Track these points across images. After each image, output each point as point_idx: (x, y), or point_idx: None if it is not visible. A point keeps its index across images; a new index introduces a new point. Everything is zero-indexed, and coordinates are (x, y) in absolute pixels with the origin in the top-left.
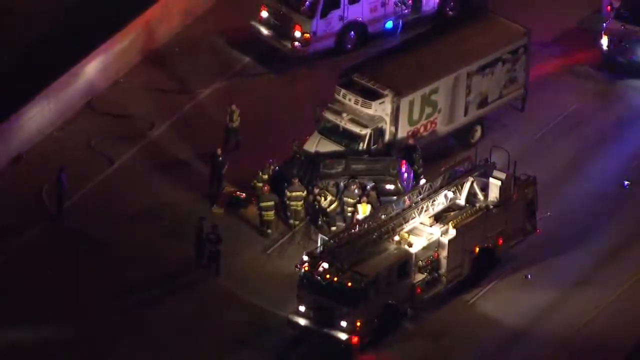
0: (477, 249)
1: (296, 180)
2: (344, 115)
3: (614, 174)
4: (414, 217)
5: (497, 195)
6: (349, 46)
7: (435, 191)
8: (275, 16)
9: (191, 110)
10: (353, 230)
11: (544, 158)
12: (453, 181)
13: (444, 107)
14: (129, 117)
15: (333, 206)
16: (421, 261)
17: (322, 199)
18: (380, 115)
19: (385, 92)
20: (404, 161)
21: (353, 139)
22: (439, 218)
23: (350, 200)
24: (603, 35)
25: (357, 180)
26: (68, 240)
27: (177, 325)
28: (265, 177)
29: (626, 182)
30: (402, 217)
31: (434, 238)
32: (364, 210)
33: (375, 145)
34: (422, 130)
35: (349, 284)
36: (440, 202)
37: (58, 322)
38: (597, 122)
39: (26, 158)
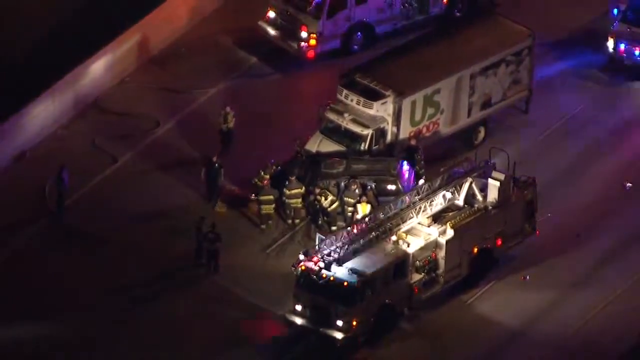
0: (476, 250)
1: (294, 178)
2: (346, 115)
3: (617, 175)
4: (411, 217)
5: (496, 196)
6: (356, 47)
7: (434, 192)
8: (282, 17)
9: (196, 109)
10: (351, 230)
11: (547, 159)
12: (452, 182)
13: (447, 108)
14: (133, 116)
15: (334, 206)
16: (419, 261)
17: (323, 198)
18: (382, 115)
19: (387, 93)
20: (405, 162)
21: (354, 139)
22: (437, 218)
23: (351, 200)
24: (609, 38)
25: (357, 180)
26: (68, 238)
27: (175, 322)
28: (267, 176)
29: (628, 184)
30: (400, 217)
31: (432, 238)
32: (363, 210)
33: (377, 146)
34: (424, 131)
35: (345, 283)
36: (439, 202)
37: (56, 319)
38: (601, 124)
39: (30, 156)
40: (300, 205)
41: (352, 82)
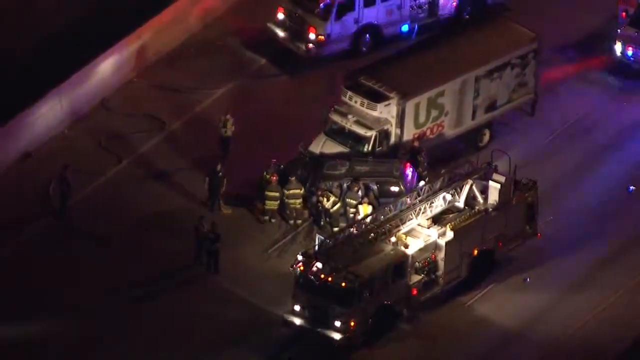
0: (476, 252)
1: (293, 179)
2: (350, 117)
3: (620, 178)
4: (411, 219)
5: (497, 198)
6: (364, 49)
7: (434, 193)
8: (291, 18)
9: (203, 110)
10: (350, 231)
11: (552, 162)
12: (452, 184)
13: (451, 110)
14: (139, 117)
15: (336, 207)
16: (418, 263)
17: (325, 200)
18: (386, 117)
19: (391, 95)
20: (408, 163)
21: (358, 141)
22: (437, 220)
23: (353, 202)
24: (616, 41)
25: (360, 182)
26: (69, 237)
27: (175, 321)
28: (275, 173)
29: (631, 187)
30: (399, 218)
31: (431, 240)
32: (364, 211)
33: (380, 148)
34: (428, 133)
35: (343, 284)
36: (439, 204)
37: (56, 319)
38: (607, 127)
39: (35, 155)
40: (299, 206)
41: (356, 84)
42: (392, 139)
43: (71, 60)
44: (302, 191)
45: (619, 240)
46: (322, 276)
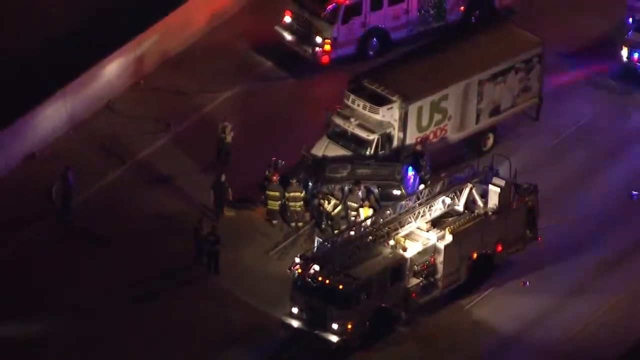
0: (475, 255)
1: (294, 181)
2: (352, 120)
3: (624, 184)
4: (409, 222)
5: (496, 202)
6: (371, 53)
7: (434, 197)
8: (298, 21)
9: (208, 112)
10: (348, 233)
11: (555, 167)
12: (452, 187)
13: (455, 114)
14: (144, 119)
15: (337, 210)
16: (416, 266)
17: (326, 202)
18: (389, 120)
19: (394, 98)
20: (410, 167)
21: (360, 144)
22: (437, 223)
23: (354, 205)
24: (623, 47)
25: (361, 185)
26: (71, 238)
27: (174, 322)
28: (276, 173)
29: (634, 193)
30: (398, 221)
31: (430, 243)
32: (365, 214)
33: (383, 151)
34: (431, 136)
35: (341, 286)
36: (438, 207)
37: (56, 319)
38: (612, 133)
39: (39, 156)
40: (300, 209)
41: (359, 87)
42: (395, 143)
43: (78, 62)
44: (302, 194)
45: (621, 245)
46: (320, 279)
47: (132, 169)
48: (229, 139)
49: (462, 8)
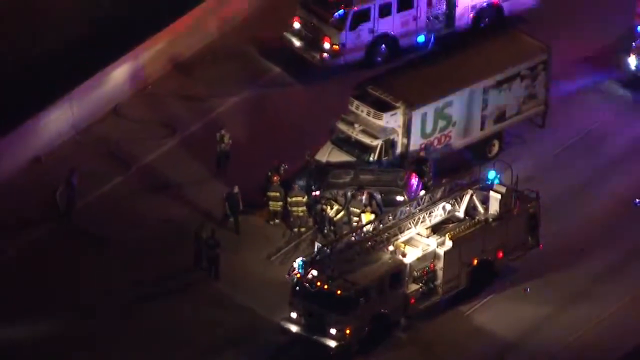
0: (476, 262)
1: (296, 186)
2: (356, 126)
3: (629, 191)
4: (409, 228)
5: (497, 208)
6: (379, 59)
7: (434, 203)
8: (307, 27)
9: (215, 117)
10: (348, 239)
11: (560, 174)
12: (452, 193)
13: (459, 120)
14: (151, 123)
15: (339, 215)
16: (416, 272)
17: (329, 208)
18: (392, 127)
19: (397, 104)
20: (413, 173)
21: (364, 150)
22: (437, 229)
23: (356, 210)
24: (631, 54)
25: (364, 191)
26: (74, 241)
27: (174, 325)
28: (277, 174)
29: (637, 200)
30: (398, 227)
31: (430, 249)
32: (367, 220)
33: (386, 157)
34: (436, 143)
35: (339, 291)
36: (438, 213)
37: (56, 320)
38: (618, 140)
39: (45, 160)
40: (302, 214)
41: (363, 94)
42: (399, 149)
43: (86, 66)
44: (304, 199)
45: (622, 253)
46: (318, 284)
47: (137, 174)
48: (226, 147)
49: (471, 15)
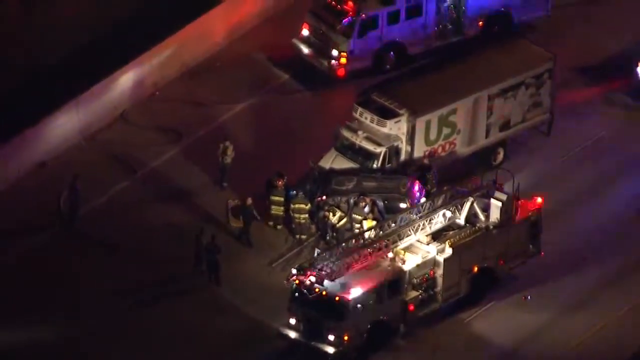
0: (476, 269)
1: (300, 193)
2: (360, 133)
3: (631, 201)
4: (409, 235)
5: (498, 216)
6: (388, 66)
7: (434, 210)
8: (315, 34)
9: (222, 124)
10: (347, 245)
11: (565, 182)
12: (453, 201)
13: (464, 128)
14: (157, 129)
15: (342, 222)
16: (416, 279)
17: (331, 215)
18: (396, 134)
19: (401, 112)
20: (416, 180)
21: (367, 157)
22: (437, 236)
23: (358, 217)
24: (639, 64)
25: (366, 197)
26: (76, 245)
27: (174, 330)
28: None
29: None
30: (397, 234)
31: (430, 256)
32: (368, 226)
33: (390, 164)
34: (440, 150)
35: (337, 298)
36: (439, 221)
37: (56, 324)
38: (624, 149)
39: (50, 165)
40: (304, 221)
41: (367, 101)
42: (402, 156)
43: (94, 71)
44: (307, 206)
45: (624, 261)
46: (317, 290)
47: (142, 179)
48: (229, 159)
49: (480, 23)
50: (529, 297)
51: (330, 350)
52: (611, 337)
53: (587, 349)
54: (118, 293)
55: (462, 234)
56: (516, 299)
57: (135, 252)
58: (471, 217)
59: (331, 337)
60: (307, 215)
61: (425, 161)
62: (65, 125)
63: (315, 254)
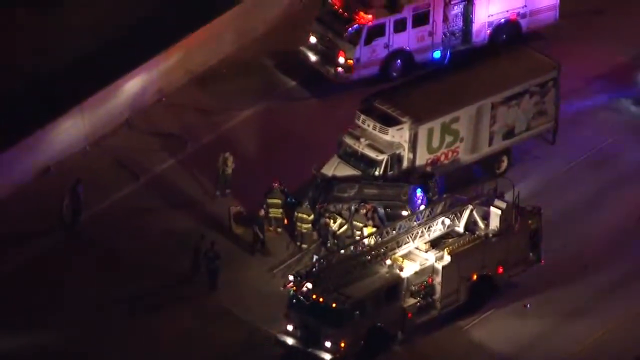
0: (475, 277)
1: (306, 204)
2: (362, 140)
3: (636, 209)
4: (407, 242)
5: (497, 224)
6: (394, 74)
7: (434, 217)
8: (322, 42)
9: (228, 130)
10: (345, 252)
11: (568, 190)
12: (452, 208)
13: (467, 136)
14: (163, 136)
15: (343, 229)
16: (414, 286)
17: (332, 222)
18: (398, 141)
19: (404, 119)
20: (418, 188)
21: (370, 164)
22: (436, 244)
23: (359, 224)
24: None
25: (367, 205)
26: (77, 251)
27: (172, 337)
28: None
29: None
30: (396, 241)
31: (428, 263)
32: (368, 233)
33: (392, 172)
34: (443, 158)
35: (334, 304)
36: (437, 228)
37: (54, 330)
38: (629, 158)
39: (54, 170)
40: (305, 231)
41: (370, 108)
42: (405, 163)
43: (101, 78)
44: (310, 217)
45: (625, 270)
46: (314, 296)
47: (145, 185)
48: (229, 170)
49: (488, 31)
50: (528, 306)
51: (327, 357)
52: (610, 346)
53: (587, 357)
54: (118, 299)
55: (461, 242)
56: (515, 307)
57: (135, 259)
58: (471, 225)
59: (328, 344)
60: (309, 226)
61: (428, 169)
62: (70, 130)
63: (314, 260)
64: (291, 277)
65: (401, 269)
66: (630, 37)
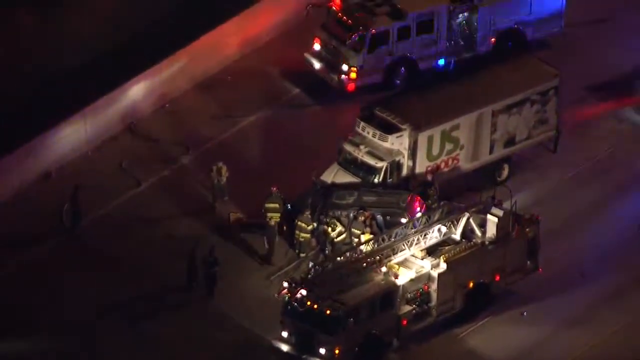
0: (471, 284)
1: (307, 213)
2: (362, 147)
3: (634, 219)
4: (403, 249)
5: (494, 232)
6: (398, 82)
7: (430, 225)
8: (326, 49)
9: (230, 137)
10: (340, 259)
11: (568, 199)
12: (449, 216)
13: (467, 144)
14: (164, 142)
15: (341, 237)
16: (409, 293)
17: (330, 229)
18: (398, 149)
19: (403, 127)
20: (417, 196)
21: (369, 172)
22: (432, 251)
23: (357, 232)
24: None
25: (365, 212)
26: (76, 257)
27: (170, 343)
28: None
29: None
30: (392, 248)
31: (424, 271)
32: (365, 240)
33: (391, 179)
34: (443, 166)
35: (328, 311)
36: (434, 236)
37: (51, 336)
38: (630, 167)
39: (56, 176)
40: (303, 240)
41: (370, 115)
42: (404, 171)
43: (104, 83)
44: (309, 227)
45: (622, 279)
46: (308, 303)
47: (146, 191)
48: (224, 180)
49: (493, 40)
50: (524, 314)
51: None
52: (607, 354)
53: None
54: (117, 304)
55: (458, 249)
56: (512, 315)
57: (135, 265)
58: (468, 233)
59: (322, 351)
60: (308, 235)
61: (428, 177)
62: (72, 135)
63: (310, 266)
64: (285, 284)
65: (397, 277)
66: (634, 46)
